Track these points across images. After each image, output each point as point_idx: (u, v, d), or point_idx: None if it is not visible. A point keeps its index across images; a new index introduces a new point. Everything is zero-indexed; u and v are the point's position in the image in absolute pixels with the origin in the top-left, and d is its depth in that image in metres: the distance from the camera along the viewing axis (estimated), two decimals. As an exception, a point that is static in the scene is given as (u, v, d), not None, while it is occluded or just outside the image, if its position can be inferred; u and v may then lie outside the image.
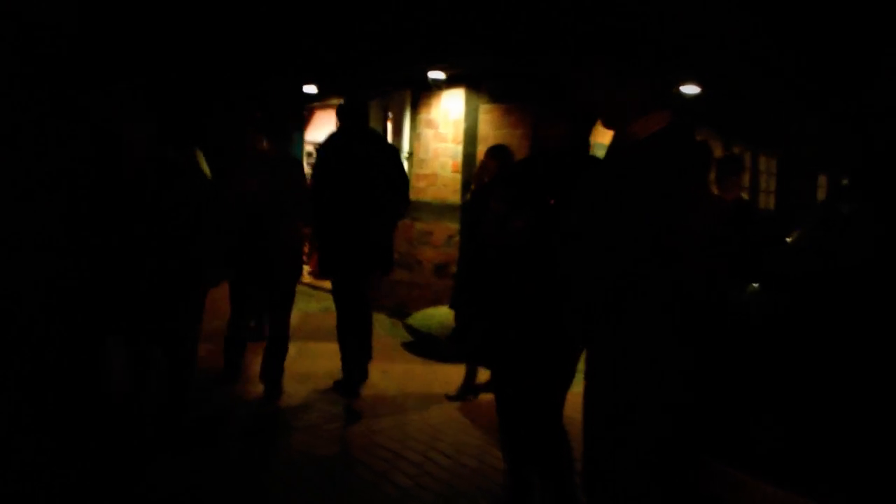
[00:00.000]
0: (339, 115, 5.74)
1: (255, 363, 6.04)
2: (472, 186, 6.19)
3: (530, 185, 3.40)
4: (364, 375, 5.97)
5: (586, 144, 3.57)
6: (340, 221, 5.59)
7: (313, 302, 9.36)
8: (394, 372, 6.71)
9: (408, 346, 7.60)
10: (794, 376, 2.91)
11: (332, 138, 5.84)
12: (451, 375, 6.34)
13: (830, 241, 3.86)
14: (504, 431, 3.75)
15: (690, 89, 7.50)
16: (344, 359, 5.93)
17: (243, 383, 6.00)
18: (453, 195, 8.16)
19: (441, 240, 8.30)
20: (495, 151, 5.96)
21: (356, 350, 5.89)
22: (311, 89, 9.91)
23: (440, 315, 7.16)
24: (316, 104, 11.14)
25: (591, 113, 3.18)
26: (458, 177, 8.10)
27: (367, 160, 5.57)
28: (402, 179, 5.86)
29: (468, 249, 5.42)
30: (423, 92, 8.50)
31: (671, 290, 2.25)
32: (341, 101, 5.79)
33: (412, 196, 8.45)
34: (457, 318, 4.49)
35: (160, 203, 4.26)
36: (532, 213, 3.24)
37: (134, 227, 4.15)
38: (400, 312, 8.63)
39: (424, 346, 7.35)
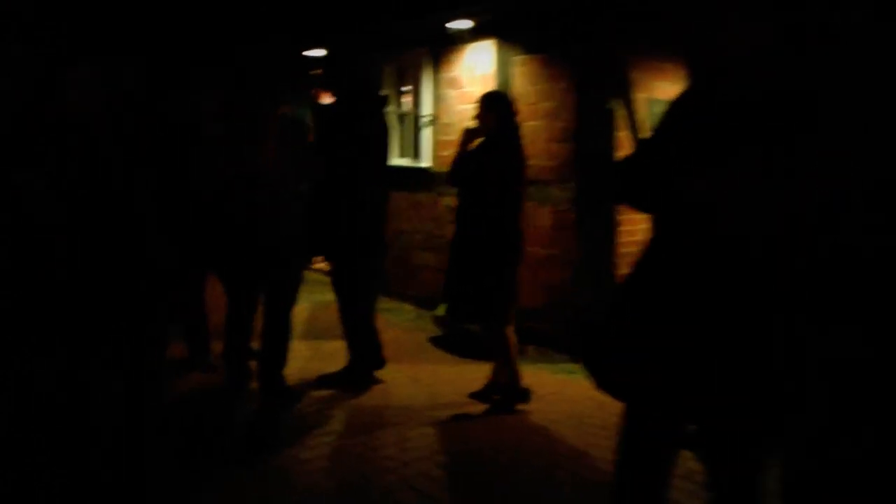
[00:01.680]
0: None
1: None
2: (457, 151, 5.04)
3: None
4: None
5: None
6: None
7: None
8: (422, 374, 5.67)
9: (437, 342, 6.58)
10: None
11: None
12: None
13: None
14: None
15: None
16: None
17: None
18: (484, 164, 7.02)
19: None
20: (493, 100, 4.95)
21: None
22: (316, 53, 8.78)
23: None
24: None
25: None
26: (490, 142, 6.94)
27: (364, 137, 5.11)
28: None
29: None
30: (444, 47, 7.35)
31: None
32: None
33: (436, 167, 7.47)
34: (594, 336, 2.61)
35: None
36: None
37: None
38: (426, 302, 7.54)
39: (457, 341, 6.32)
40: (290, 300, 4.71)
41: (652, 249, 2.34)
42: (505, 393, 4.94)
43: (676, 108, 2.22)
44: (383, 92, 5.75)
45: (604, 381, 2.34)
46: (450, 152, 7.26)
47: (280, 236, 4.49)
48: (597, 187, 6.22)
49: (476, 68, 7.05)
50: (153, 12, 7.06)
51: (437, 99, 7.53)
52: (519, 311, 5.53)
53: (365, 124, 5.13)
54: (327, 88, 4.96)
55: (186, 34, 7.45)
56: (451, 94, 7.36)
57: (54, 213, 3.07)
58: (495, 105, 4.85)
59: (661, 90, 6.84)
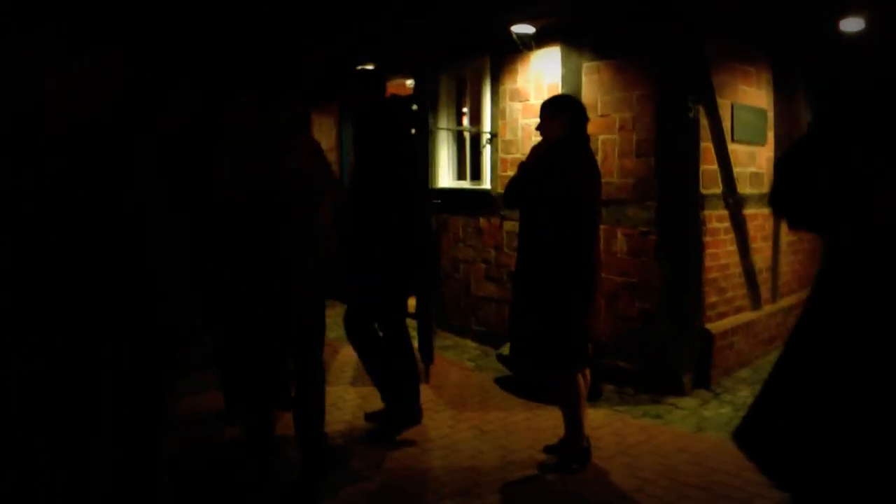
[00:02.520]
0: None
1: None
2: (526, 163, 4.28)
3: None
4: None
5: None
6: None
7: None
8: (489, 425, 4.96)
9: (504, 384, 5.89)
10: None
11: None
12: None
13: None
14: None
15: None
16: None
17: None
18: (551, 184, 6.33)
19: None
20: (558, 104, 4.24)
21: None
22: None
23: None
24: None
25: None
26: (557, 160, 6.26)
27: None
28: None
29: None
30: (506, 55, 6.69)
31: None
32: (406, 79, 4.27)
33: (498, 188, 6.81)
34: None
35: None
36: None
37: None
38: (490, 338, 6.87)
39: (527, 382, 5.60)
40: (320, 341, 4.00)
41: (833, 293, 1.64)
42: (564, 451, 4.25)
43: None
44: (412, 106, 5.09)
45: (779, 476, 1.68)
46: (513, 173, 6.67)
47: (307, 267, 3.80)
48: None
49: (543, 77, 6.37)
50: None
51: (499, 113, 6.86)
52: (598, 346, 4.94)
53: (381, 144, 4.53)
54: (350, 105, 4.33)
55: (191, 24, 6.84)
56: (515, 107, 6.69)
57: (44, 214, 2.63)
58: (561, 110, 4.16)
59: (744, 94, 6.12)
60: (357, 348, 4.67)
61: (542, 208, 4.07)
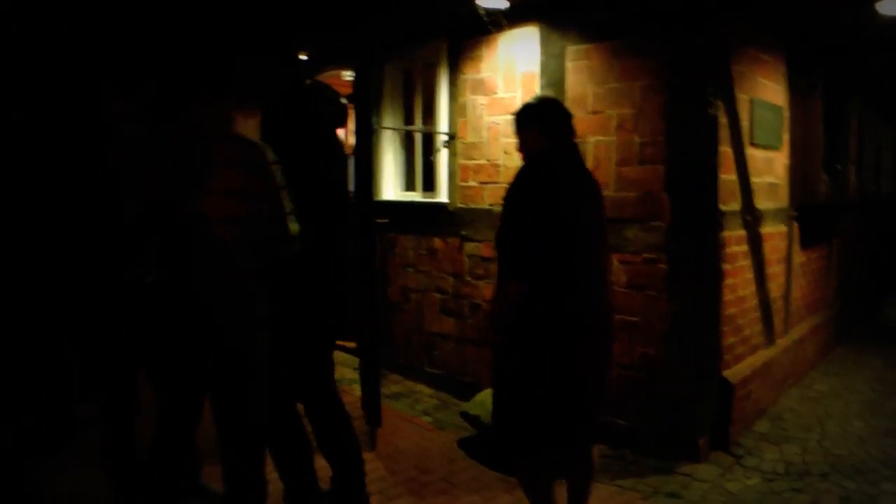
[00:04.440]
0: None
1: None
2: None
3: None
4: None
5: None
6: None
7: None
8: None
9: (470, 448, 4.72)
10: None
11: None
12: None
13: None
14: None
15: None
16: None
17: None
18: (524, 197, 5.11)
19: (508, 268, 5.24)
20: (531, 112, 3.31)
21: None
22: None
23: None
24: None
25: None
26: (533, 167, 5.03)
27: None
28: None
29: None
30: (468, 39, 5.44)
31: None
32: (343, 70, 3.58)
33: (457, 201, 5.57)
34: None
35: None
36: None
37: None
38: (449, 383, 5.64)
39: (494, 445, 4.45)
40: (254, 407, 2.86)
41: None
42: None
43: None
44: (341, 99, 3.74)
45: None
46: (477, 182, 5.43)
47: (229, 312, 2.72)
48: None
49: (516, 64, 5.14)
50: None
51: (459, 109, 5.59)
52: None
53: (294, 142, 3.28)
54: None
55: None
56: (478, 101, 5.42)
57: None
58: (530, 120, 3.26)
59: (763, 89, 5.02)
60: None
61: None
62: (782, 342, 5.58)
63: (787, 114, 5.49)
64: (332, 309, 3.38)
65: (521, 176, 3.11)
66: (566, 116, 3.26)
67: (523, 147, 3.29)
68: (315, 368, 3.42)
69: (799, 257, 5.90)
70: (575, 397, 3.06)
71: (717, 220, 4.43)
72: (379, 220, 5.09)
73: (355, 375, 5.37)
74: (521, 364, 3.05)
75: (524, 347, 3.03)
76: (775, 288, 5.41)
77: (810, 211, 6.06)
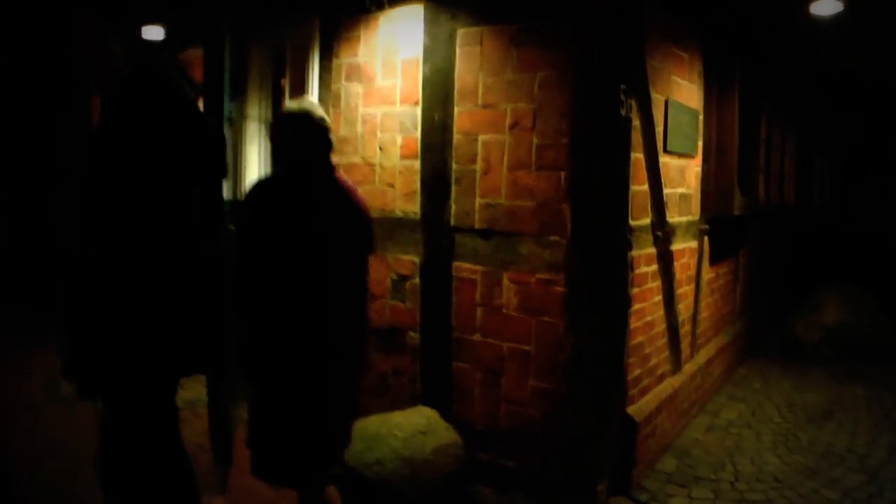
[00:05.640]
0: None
1: None
2: None
3: None
4: None
5: None
6: None
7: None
8: None
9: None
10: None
11: None
12: None
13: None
14: None
15: None
16: None
17: None
18: (406, 200, 4.40)
19: (383, 285, 4.53)
20: (277, 123, 3.08)
21: None
22: (153, 34, 6.04)
23: (399, 429, 3.85)
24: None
25: None
26: (416, 165, 4.33)
27: None
28: None
29: None
30: (344, 18, 4.68)
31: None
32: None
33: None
34: None
35: None
36: None
37: None
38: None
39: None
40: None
41: None
42: None
43: None
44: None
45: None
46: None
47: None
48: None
49: (398, 49, 4.41)
50: None
51: (331, 98, 4.81)
52: (471, 436, 3.95)
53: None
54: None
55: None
56: (353, 90, 4.66)
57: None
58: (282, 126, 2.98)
59: (678, 89, 4.48)
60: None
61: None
62: (689, 368, 5.05)
63: (701, 117, 4.95)
64: (179, 321, 2.75)
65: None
66: (320, 130, 2.92)
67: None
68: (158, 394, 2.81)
69: (708, 273, 5.40)
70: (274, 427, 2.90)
71: (626, 238, 3.83)
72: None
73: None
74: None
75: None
76: (684, 309, 4.87)
77: (722, 224, 5.58)
